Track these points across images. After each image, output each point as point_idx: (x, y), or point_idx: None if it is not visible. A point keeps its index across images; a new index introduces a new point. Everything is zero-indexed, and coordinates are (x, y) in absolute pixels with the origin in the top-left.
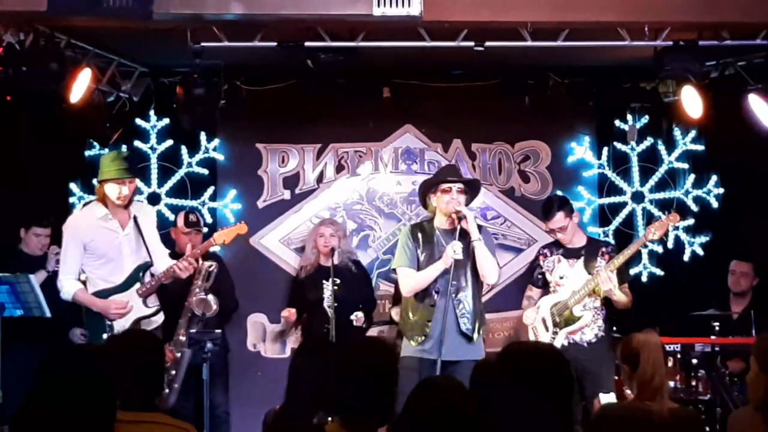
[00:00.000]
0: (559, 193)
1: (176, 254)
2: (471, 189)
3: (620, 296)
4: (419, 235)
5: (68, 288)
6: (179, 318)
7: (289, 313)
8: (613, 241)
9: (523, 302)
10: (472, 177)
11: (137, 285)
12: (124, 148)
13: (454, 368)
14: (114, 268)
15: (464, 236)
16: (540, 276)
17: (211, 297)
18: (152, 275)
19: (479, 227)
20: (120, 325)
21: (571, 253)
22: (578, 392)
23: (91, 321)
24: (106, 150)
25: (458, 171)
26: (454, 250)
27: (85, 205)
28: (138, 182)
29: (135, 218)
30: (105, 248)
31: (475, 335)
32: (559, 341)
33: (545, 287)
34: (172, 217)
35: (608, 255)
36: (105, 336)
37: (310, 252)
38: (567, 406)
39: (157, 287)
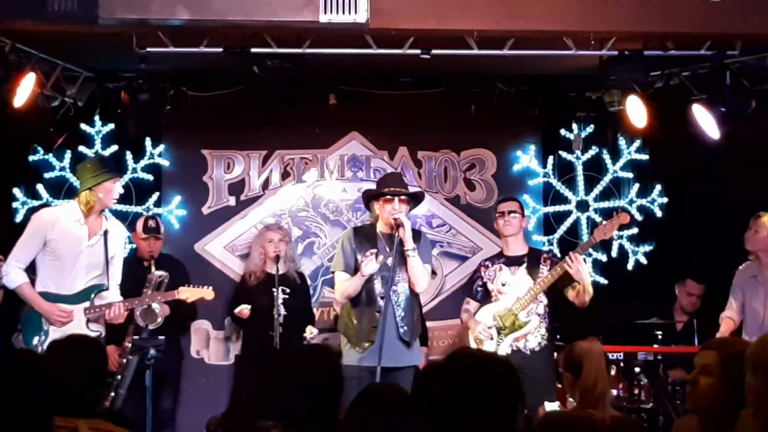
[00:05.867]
0: None
1: (138, 258)
2: (414, 199)
3: (590, 286)
4: (361, 238)
5: (14, 276)
6: (129, 323)
7: (247, 308)
8: (555, 249)
9: (462, 315)
10: (416, 187)
11: (86, 304)
12: (68, 153)
13: (394, 375)
14: (65, 274)
15: (402, 242)
16: (480, 288)
17: (156, 306)
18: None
19: (419, 233)
20: (56, 334)
21: (512, 261)
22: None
23: (27, 322)
24: (50, 154)
25: (403, 180)
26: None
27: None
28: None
29: (106, 233)
30: (64, 251)
31: (413, 341)
32: (504, 349)
33: (485, 300)
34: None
35: (550, 260)
36: (36, 339)
37: (257, 257)
38: (511, 416)
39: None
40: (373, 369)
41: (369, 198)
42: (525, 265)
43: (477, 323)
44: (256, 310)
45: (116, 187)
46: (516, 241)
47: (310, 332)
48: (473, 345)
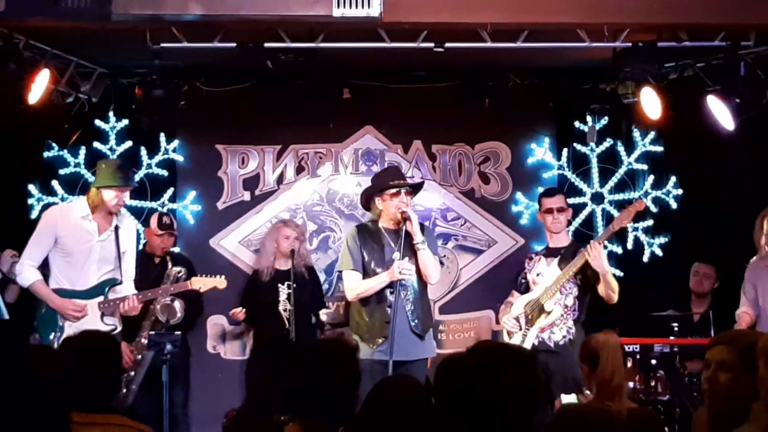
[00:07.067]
0: (519, 194)
1: (147, 254)
2: (415, 190)
3: (612, 277)
4: (365, 236)
5: (28, 275)
6: (143, 320)
7: (241, 311)
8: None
9: (501, 306)
10: (417, 179)
11: (100, 298)
12: (83, 149)
13: (406, 368)
14: (77, 270)
15: (408, 237)
16: (523, 281)
17: (177, 303)
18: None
19: (422, 225)
20: (71, 329)
21: (551, 253)
22: (545, 394)
23: (43, 319)
24: (65, 151)
25: (402, 172)
26: (400, 271)
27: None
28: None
29: (117, 229)
30: (74, 248)
31: (425, 333)
32: (530, 340)
33: (527, 291)
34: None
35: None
36: (52, 336)
37: (270, 253)
38: (531, 410)
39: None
40: (386, 362)
41: (372, 194)
42: (560, 257)
43: (507, 314)
44: (263, 306)
45: (122, 196)
46: (560, 234)
47: (324, 314)
48: (505, 336)
